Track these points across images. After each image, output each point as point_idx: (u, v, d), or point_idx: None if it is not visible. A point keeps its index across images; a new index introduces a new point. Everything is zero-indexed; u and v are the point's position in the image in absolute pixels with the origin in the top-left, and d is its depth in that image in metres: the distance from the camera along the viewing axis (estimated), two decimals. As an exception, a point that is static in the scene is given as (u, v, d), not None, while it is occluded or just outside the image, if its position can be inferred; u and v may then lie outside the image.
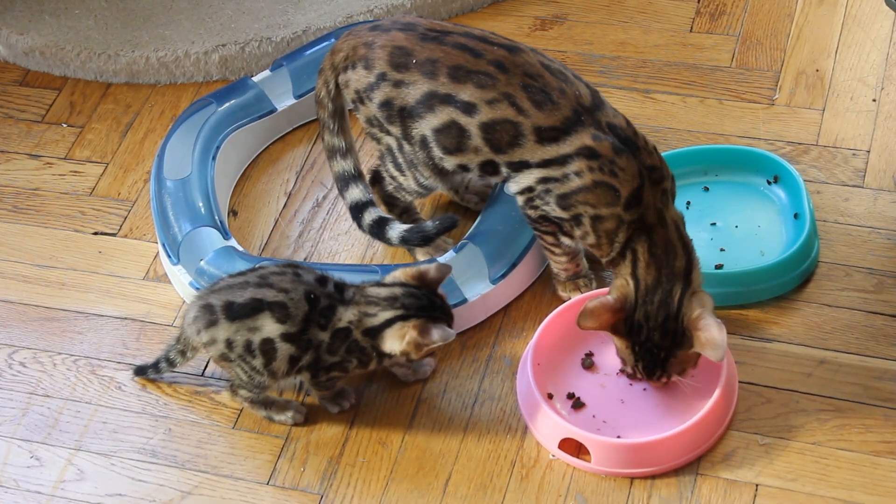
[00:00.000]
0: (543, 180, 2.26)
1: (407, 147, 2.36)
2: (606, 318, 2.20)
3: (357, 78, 2.37)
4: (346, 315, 2.21)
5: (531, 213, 2.32)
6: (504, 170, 2.30)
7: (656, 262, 2.19)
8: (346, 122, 2.50)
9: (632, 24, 2.95)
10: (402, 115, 2.33)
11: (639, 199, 2.20)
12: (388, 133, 2.38)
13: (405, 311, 2.20)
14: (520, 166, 2.28)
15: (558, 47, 2.90)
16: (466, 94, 2.27)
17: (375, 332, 2.21)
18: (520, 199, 2.32)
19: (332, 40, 2.78)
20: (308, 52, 2.80)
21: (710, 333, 2.13)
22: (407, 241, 2.43)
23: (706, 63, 2.84)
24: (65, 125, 2.90)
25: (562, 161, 2.23)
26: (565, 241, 2.33)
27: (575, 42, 2.92)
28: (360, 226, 2.50)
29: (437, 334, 2.18)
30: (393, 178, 2.44)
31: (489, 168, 2.32)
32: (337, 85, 2.42)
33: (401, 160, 2.39)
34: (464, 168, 2.34)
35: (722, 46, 2.87)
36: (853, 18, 2.88)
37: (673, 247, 2.20)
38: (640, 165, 2.20)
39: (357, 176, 2.50)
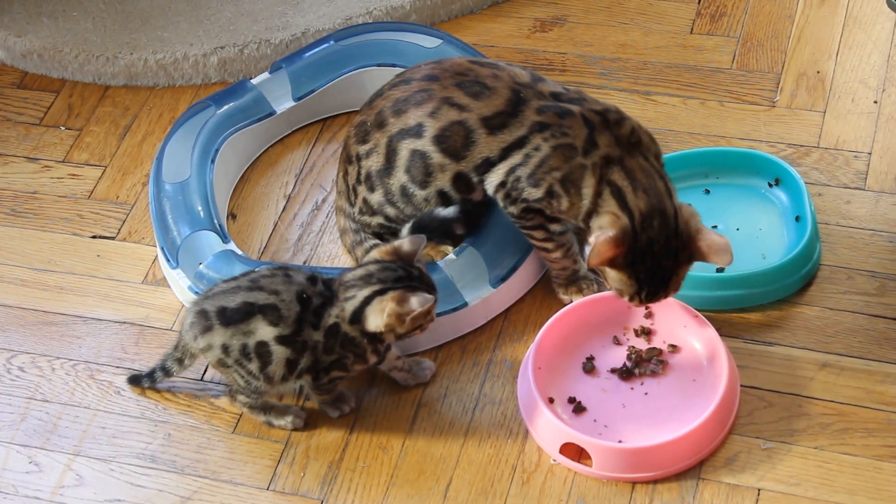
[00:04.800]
0: (510, 171, 2.29)
1: (400, 204, 2.38)
2: (612, 252, 2.18)
3: (357, 167, 2.44)
4: (333, 311, 2.20)
5: (514, 209, 2.32)
6: (474, 178, 2.32)
7: (642, 187, 2.20)
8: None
9: (632, 25, 2.94)
10: (381, 177, 2.37)
11: (594, 143, 2.23)
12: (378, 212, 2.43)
13: (382, 286, 2.18)
14: (485, 166, 2.30)
15: (558, 49, 2.89)
16: (412, 119, 2.31)
17: (358, 315, 2.19)
18: (500, 202, 2.34)
19: (331, 42, 2.77)
20: (307, 55, 2.79)
21: (713, 238, 2.18)
22: None
23: (707, 65, 2.83)
24: (63, 128, 2.89)
25: (520, 143, 2.27)
26: (554, 227, 2.32)
27: (575, 44, 2.91)
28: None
29: (416, 301, 2.16)
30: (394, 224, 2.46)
31: (461, 184, 2.33)
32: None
33: (397, 215, 2.42)
34: (442, 194, 2.35)
35: (723, 48, 2.86)
36: (854, 20, 2.88)
37: (649, 171, 2.22)
38: (584, 114, 2.25)
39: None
